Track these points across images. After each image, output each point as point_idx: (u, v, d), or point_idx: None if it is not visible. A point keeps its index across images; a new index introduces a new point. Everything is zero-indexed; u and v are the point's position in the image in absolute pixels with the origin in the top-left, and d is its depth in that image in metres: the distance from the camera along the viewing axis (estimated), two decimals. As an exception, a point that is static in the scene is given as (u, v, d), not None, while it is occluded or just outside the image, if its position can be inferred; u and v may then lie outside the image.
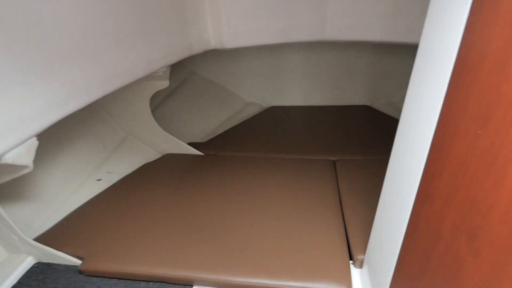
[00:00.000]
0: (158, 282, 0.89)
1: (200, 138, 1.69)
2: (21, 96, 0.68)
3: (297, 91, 2.00)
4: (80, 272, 0.92)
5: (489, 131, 0.35)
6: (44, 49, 0.72)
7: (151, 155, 1.49)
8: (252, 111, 1.97)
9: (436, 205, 0.47)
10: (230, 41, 1.47)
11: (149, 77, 1.21)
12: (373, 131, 1.63)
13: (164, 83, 1.30)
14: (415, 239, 0.55)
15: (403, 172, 0.60)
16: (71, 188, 1.19)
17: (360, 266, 0.88)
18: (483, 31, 0.37)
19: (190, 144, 1.50)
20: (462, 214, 0.40)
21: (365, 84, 1.91)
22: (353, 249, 0.90)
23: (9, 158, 0.68)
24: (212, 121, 1.84)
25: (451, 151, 0.43)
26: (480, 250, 0.36)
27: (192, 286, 0.87)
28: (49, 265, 0.95)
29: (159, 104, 1.74)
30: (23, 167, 0.73)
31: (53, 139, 1.17)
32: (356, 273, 0.87)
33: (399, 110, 1.81)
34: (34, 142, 0.75)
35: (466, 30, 0.41)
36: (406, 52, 1.73)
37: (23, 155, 0.71)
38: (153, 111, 1.44)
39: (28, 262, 0.96)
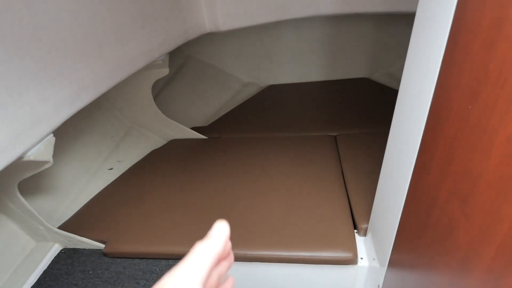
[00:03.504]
0: (177, 259, 0.95)
1: (202, 122, 1.71)
2: (36, 96, 0.70)
3: (294, 68, 1.98)
4: (105, 254, 0.98)
5: (478, 107, 0.37)
6: (52, 50, 0.74)
7: (157, 142, 1.53)
8: (250, 92, 1.97)
9: (433, 174, 0.49)
10: (225, 24, 1.46)
11: (149, 66, 1.22)
12: (373, 103, 1.63)
13: (164, 71, 1.31)
14: (414, 206, 0.57)
15: (402, 144, 0.62)
16: (86, 179, 1.23)
17: (364, 234, 0.93)
18: (474, 9, 0.38)
19: (193, 128, 1.53)
20: (456, 182, 0.42)
21: (363, 56, 1.88)
22: (357, 219, 0.94)
23: (31, 155, 0.72)
24: (212, 104, 1.85)
25: (446, 124, 0.45)
26: (471, 213, 0.39)
27: (209, 260, 0.94)
28: (75, 250, 1.02)
29: (160, 91, 1.74)
30: (44, 162, 0.78)
31: (64, 134, 1.20)
32: (360, 241, 0.91)
33: (398, 80, 1.79)
34: (52, 138, 0.78)
35: (458, 6, 0.42)
36: (402, 21, 1.69)
37: (43, 151, 0.75)
38: (155, 98, 1.45)
39: (55, 249, 1.02)
